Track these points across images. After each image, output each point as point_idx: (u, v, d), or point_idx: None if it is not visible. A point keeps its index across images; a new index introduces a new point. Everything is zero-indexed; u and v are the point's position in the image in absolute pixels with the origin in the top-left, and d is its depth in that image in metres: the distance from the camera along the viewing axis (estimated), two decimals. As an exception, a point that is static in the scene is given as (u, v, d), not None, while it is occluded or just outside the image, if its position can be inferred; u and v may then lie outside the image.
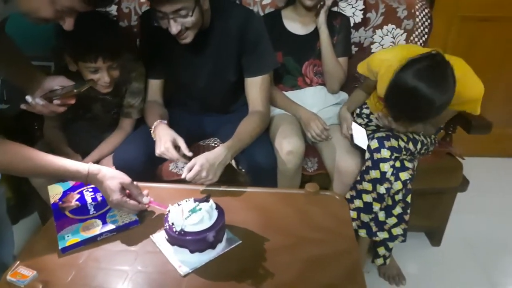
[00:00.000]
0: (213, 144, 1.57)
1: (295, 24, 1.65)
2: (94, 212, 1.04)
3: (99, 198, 1.09)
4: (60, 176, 0.98)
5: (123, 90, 1.43)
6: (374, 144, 1.35)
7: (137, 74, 1.42)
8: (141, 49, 1.49)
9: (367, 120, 1.61)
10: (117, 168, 1.21)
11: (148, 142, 1.30)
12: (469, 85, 1.26)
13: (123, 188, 1.00)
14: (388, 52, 1.55)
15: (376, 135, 1.37)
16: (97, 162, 1.40)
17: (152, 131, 1.30)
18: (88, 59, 1.21)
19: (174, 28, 1.20)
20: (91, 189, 1.13)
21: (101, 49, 1.20)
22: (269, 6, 1.80)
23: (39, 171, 0.94)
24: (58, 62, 1.84)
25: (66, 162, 0.96)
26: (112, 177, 0.99)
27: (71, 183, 1.15)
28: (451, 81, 1.15)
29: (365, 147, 1.39)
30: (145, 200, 1.04)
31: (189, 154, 1.20)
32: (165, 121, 1.31)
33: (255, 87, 1.40)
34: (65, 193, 1.11)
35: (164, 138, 1.22)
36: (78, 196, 1.10)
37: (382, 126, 1.43)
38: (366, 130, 1.46)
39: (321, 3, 1.58)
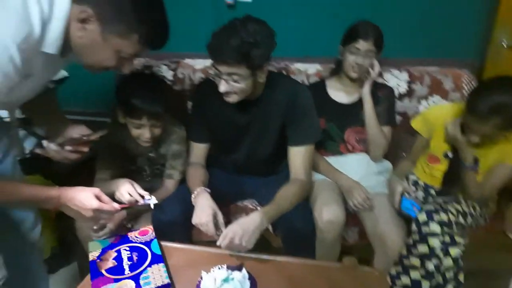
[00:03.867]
0: (250, 206, 1.56)
1: (339, 93, 1.69)
2: (129, 272, 1.04)
3: (135, 258, 1.10)
4: (32, 202, 1.00)
5: (165, 151, 1.50)
6: (423, 217, 1.28)
7: (177, 137, 1.49)
8: (191, 113, 1.58)
9: (414, 189, 1.55)
10: (154, 227, 1.24)
11: (187, 204, 1.33)
12: None
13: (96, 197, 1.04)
14: (445, 105, 1.60)
15: (425, 207, 1.31)
16: (136, 217, 1.45)
17: (193, 197, 1.33)
18: (134, 116, 1.31)
19: (223, 87, 1.28)
20: (128, 248, 1.15)
21: (146, 109, 1.30)
22: (314, 76, 1.87)
23: (11, 199, 0.96)
24: (116, 118, 2.00)
25: (37, 188, 0.99)
26: (83, 189, 1.04)
27: (110, 241, 1.18)
28: None
29: (413, 217, 1.33)
30: (116, 205, 1.09)
31: None
32: (208, 190, 1.34)
33: (299, 156, 1.41)
34: (104, 251, 1.13)
35: (206, 211, 1.25)
36: (116, 254, 1.12)
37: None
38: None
39: (366, 75, 1.61)
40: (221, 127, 1.49)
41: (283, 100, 1.40)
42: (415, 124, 1.60)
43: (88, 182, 1.62)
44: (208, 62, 1.95)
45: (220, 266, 1.03)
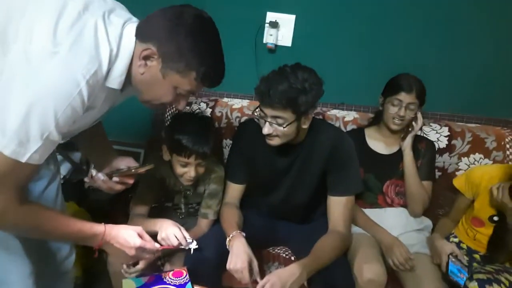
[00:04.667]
0: (283, 255, 1.51)
1: (379, 144, 1.66)
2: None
3: (169, 300, 1.06)
4: (78, 238, 0.97)
5: (202, 190, 1.49)
6: (474, 286, 1.20)
7: (216, 177, 1.49)
8: (231, 152, 1.58)
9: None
10: (188, 269, 1.21)
11: (222, 246, 1.30)
12: None
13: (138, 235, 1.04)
14: (491, 166, 1.56)
15: (476, 276, 1.23)
16: (168, 256, 1.41)
17: (228, 240, 1.30)
18: (183, 154, 1.32)
19: (266, 130, 1.29)
20: (162, 289, 1.11)
21: (196, 149, 1.31)
22: (351, 123, 1.86)
23: (56, 233, 0.94)
24: (150, 151, 2.01)
25: (84, 224, 0.97)
26: (126, 227, 1.04)
27: (144, 280, 1.14)
28: None
29: (461, 284, 1.25)
30: (157, 245, 1.10)
31: (260, 280, 1.16)
32: (244, 234, 1.31)
33: (339, 206, 1.38)
34: (137, 290, 1.10)
35: (242, 257, 1.21)
36: (150, 294, 1.09)
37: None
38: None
39: (409, 128, 1.59)
40: (260, 169, 1.48)
41: (326, 147, 1.39)
42: (458, 183, 1.55)
43: (121, 213, 1.62)
44: (245, 102, 1.98)
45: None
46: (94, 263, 1.58)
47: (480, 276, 1.22)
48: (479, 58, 1.87)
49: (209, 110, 1.93)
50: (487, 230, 1.43)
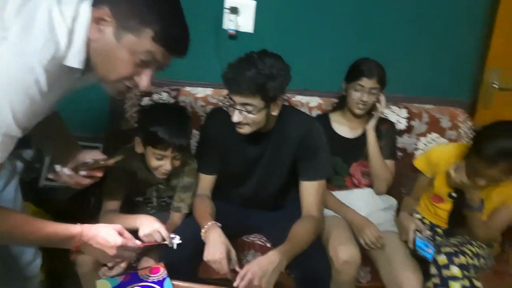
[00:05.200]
0: (259, 242, 1.51)
1: (343, 128, 1.70)
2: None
3: (148, 299, 1.03)
4: (52, 241, 0.91)
5: (175, 183, 1.45)
6: (443, 259, 1.27)
7: (190, 169, 1.45)
8: (200, 143, 1.54)
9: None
10: (165, 264, 1.17)
11: (196, 239, 1.27)
12: None
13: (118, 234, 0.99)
14: (448, 146, 1.65)
15: (444, 249, 1.31)
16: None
17: (203, 231, 1.28)
18: (159, 147, 1.27)
19: (236, 117, 1.27)
20: (139, 287, 1.07)
21: (174, 140, 1.26)
22: (315, 109, 1.89)
23: (29, 238, 0.87)
24: (110, 144, 1.91)
25: (58, 226, 0.91)
26: (105, 226, 0.99)
27: (119, 279, 1.09)
28: None
29: (429, 259, 1.32)
30: (139, 242, 1.05)
31: (239, 270, 1.15)
32: (220, 225, 1.29)
33: (311, 191, 1.39)
34: (113, 291, 1.05)
35: (219, 248, 1.20)
36: (127, 294, 1.04)
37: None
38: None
39: (372, 112, 1.64)
40: (231, 159, 1.46)
41: (296, 135, 1.39)
42: (418, 163, 1.62)
43: (84, 212, 1.53)
44: (209, 90, 1.93)
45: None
46: (59, 265, 1.49)
47: (447, 249, 1.30)
48: (431, 42, 1.96)
49: (171, 100, 1.86)
50: (447, 206, 1.52)
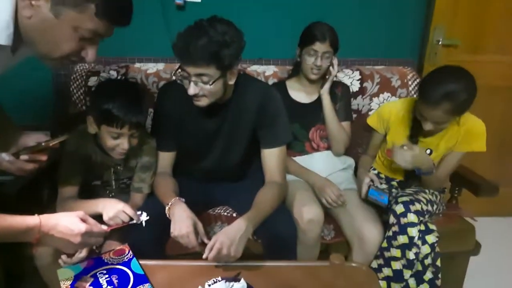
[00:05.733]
0: (225, 214, 1.51)
1: (300, 94, 1.71)
2: (112, 297, 0.95)
3: (115, 281, 0.99)
4: (8, 236, 0.84)
5: (134, 164, 1.40)
6: (400, 208, 1.34)
7: (148, 148, 1.40)
8: (155, 120, 1.48)
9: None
10: (129, 245, 1.14)
11: (160, 217, 1.25)
12: (473, 122, 1.45)
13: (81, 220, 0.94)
14: (396, 101, 1.71)
15: (400, 199, 1.37)
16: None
17: (167, 208, 1.25)
18: (115, 125, 1.21)
19: (192, 90, 1.22)
20: (105, 271, 1.03)
21: (130, 117, 1.21)
22: (271, 77, 1.88)
23: None
24: (59, 128, 1.80)
25: (13, 218, 0.84)
26: (66, 214, 0.93)
27: (82, 266, 1.05)
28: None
29: (384, 203, 1.40)
30: (104, 227, 1.01)
31: (207, 242, 1.14)
32: (183, 200, 1.27)
33: (273, 158, 1.40)
34: (77, 277, 1.00)
35: (186, 222, 1.18)
36: (92, 279, 1.00)
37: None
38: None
39: (326, 76, 1.66)
40: (189, 133, 1.42)
41: (254, 104, 1.38)
42: (371, 121, 1.68)
43: (38, 205, 1.45)
44: (160, 65, 1.86)
45: (215, 280, 0.98)
46: (16, 261, 1.41)
47: (404, 199, 1.37)
48: (379, 5, 2.00)
49: (121, 78, 1.78)
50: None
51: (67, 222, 0.90)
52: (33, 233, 0.86)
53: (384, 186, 1.61)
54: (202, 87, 1.23)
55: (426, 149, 1.51)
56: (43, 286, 1.23)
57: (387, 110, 1.63)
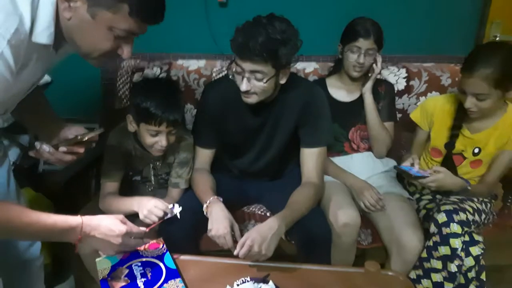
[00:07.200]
0: (259, 212, 1.51)
1: (341, 92, 1.66)
2: (145, 289, 0.98)
3: (149, 274, 1.02)
4: (52, 235, 0.88)
5: (172, 160, 1.43)
6: (442, 217, 1.27)
7: (186, 144, 1.42)
8: (197, 117, 1.50)
9: (421, 186, 1.55)
10: (165, 239, 1.17)
11: (196, 213, 1.27)
12: None
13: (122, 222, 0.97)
14: (441, 96, 1.63)
15: (443, 207, 1.30)
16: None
17: (205, 206, 1.27)
18: (153, 123, 1.24)
19: (245, 86, 1.22)
20: (139, 263, 1.06)
21: (168, 115, 1.23)
22: (312, 74, 1.84)
23: (27, 231, 0.84)
24: (105, 123, 1.89)
25: (57, 217, 0.87)
26: (107, 216, 0.97)
27: (118, 257, 1.09)
28: None
29: (412, 172, 1.36)
30: (143, 228, 1.03)
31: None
32: (221, 199, 1.28)
33: (311, 158, 1.37)
34: (113, 268, 1.04)
35: (224, 223, 1.19)
36: (127, 271, 1.03)
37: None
38: (422, 198, 1.45)
39: (369, 74, 1.59)
40: (231, 131, 1.43)
41: (298, 102, 1.36)
42: (414, 116, 1.60)
43: (83, 194, 1.53)
44: (202, 62, 1.88)
45: (244, 279, 0.98)
46: (64, 248, 1.51)
47: (447, 207, 1.29)
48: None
49: (164, 75, 1.82)
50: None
51: (108, 223, 0.94)
52: (75, 233, 0.89)
53: (428, 196, 1.52)
54: (255, 84, 1.22)
55: (474, 148, 1.41)
56: (85, 272, 1.30)
57: (432, 103, 1.55)
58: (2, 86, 0.76)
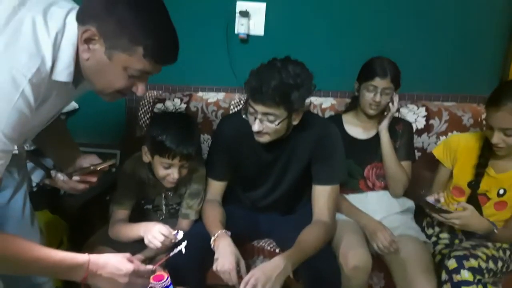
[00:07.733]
0: (268, 248, 1.49)
1: (357, 129, 1.65)
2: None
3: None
4: (58, 272, 0.87)
5: (184, 190, 1.45)
6: (452, 264, 1.21)
7: (198, 176, 1.44)
8: (211, 149, 1.53)
9: (439, 230, 1.51)
10: (170, 271, 1.17)
11: (204, 246, 1.27)
12: None
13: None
14: (466, 133, 1.60)
15: (453, 253, 1.24)
16: (153, 258, 1.37)
17: (213, 239, 1.27)
18: (167, 156, 1.27)
19: (257, 127, 1.24)
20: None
21: (182, 149, 1.26)
22: (329, 109, 1.85)
23: (34, 266, 0.83)
24: (126, 151, 1.95)
25: (65, 255, 0.86)
26: (114, 254, 0.96)
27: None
28: None
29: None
30: (150, 266, 1.01)
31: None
32: (229, 233, 1.28)
33: (324, 195, 1.36)
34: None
35: (229, 258, 1.18)
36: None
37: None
38: (438, 243, 1.39)
39: (385, 113, 1.58)
40: (245, 165, 1.44)
41: (312, 139, 1.36)
42: (437, 152, 1.56)
43: (99, 218, 1.56)
44: (221, 95, 1.94)
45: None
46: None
47: (457, 253, 1.24)
48: (450, 36, 1.88)
49: (184, 106, 1.88)
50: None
51: (115, 261, 0.93)
52: (81, 270, 0.88)
53: (446, 235, 1.46)
54: (267, 125, 1.24)
55: (499, 189, 1.35)
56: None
57: (456, 140, 1.51)
58: (21, 122, 0.80)
